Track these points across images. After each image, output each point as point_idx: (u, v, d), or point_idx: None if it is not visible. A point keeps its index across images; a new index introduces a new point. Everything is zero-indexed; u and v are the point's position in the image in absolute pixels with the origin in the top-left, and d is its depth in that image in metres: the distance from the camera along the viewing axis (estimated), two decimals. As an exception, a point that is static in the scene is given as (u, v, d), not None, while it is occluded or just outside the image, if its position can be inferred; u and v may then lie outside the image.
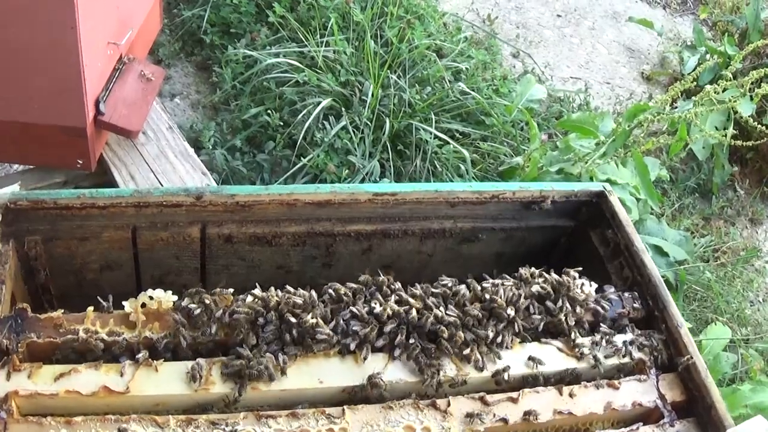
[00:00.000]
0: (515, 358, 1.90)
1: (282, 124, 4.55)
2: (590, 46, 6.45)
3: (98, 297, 1.87)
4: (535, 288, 1.97)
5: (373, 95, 4.62)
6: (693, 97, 4.41)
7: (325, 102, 4.52)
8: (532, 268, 2.04)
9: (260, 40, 5.01)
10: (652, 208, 4.35)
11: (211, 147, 4.47)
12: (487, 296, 1.92)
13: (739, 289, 4.75)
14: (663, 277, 3.88)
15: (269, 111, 4.60)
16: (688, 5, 7.33)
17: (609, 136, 4.13)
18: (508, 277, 2.02)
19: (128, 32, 3.59)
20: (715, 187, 5.40)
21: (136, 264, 2.12)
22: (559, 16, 6.72)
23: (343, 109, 4.60)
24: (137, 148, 3.76)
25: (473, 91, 4.85)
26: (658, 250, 4.30)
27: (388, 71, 4.76)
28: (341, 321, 1.82)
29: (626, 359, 1.94)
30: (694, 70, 4.38)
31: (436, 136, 4.52)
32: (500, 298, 1.92)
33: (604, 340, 1.95)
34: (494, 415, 1.76)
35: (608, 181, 4.05)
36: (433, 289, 1.95)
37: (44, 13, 2.98)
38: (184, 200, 2.04)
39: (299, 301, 1.82)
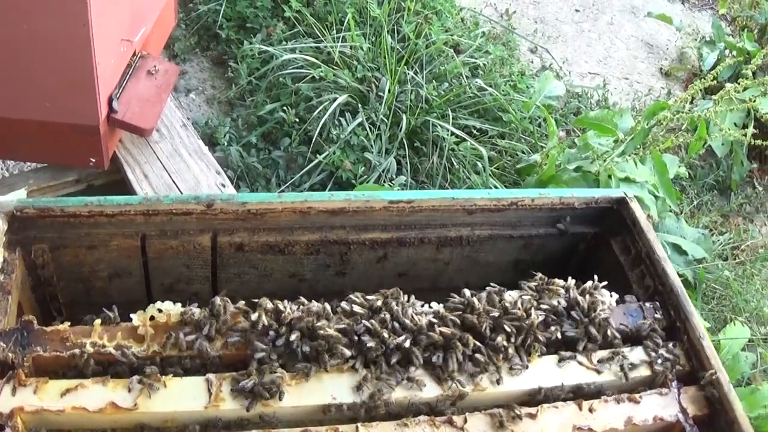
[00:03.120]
0: (533, 371, 1.86)
1: (298, 120, 4.52)
2: (609, 41, 6.40)
3: (108, 306, 1.84)
4: (556, 300, 1.93)
5: (389, 91, 4.58)
6: (712, 96, 4.36)
7: (342, 98, 4.48)
8: (556, 280, 2.00)
9: (276, 35, 4.98)
10: (671, 206, 4.30)
11: (226, 143, 4.44)
12: (506, 308, 1.88)
13: (758, 287, 4.70)
14: (681, 276, 3.84)
15: (285, 107, 4.57)
16: (706, 0, 7.26)
17: (628, 134, 4.08)
18: (527, 288, 1.98)
19: (142, 28, 3.55)
20: (734, 183, 5.35)
21: (145, 272, 2.08)
22: (577, 10, 6.67)
23: (359, 105, 4.57)
24: (151, 146, 3.72)
25: (491, 87, 4.82)
26: (677, 249, 4.26)
27: (405, 67, 4.72)
28: (355, 335, 1.78)
29: (647, 372, 1.89)
30: (713, 67, 4.34)
31: (453, 133, 4.48)
32: (519, 310, 1.87)
33: (624, 353, 1.90)
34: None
35: (626, 179, 4.01)
36: (450, 303, 1.90)
37: (56, 9, 2.94)
38: (195, 208, 2.00)
39: (313, 314, 1.78)
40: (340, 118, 4.50)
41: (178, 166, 3.66)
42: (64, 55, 3.07)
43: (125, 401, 1.64)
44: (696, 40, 6.52)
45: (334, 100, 4.47)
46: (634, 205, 2.22)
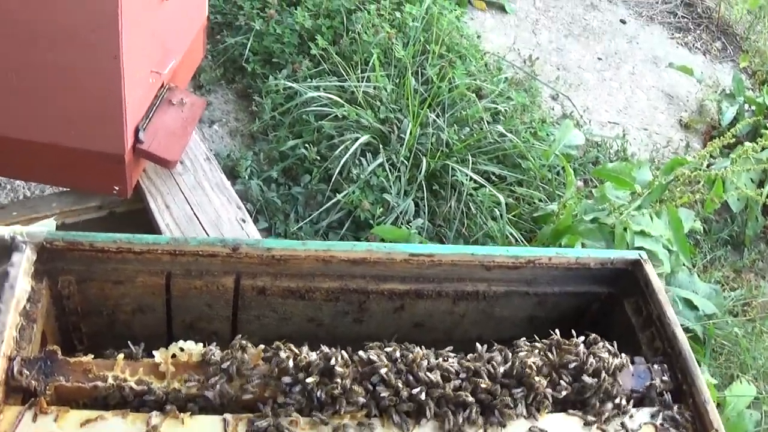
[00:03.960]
0: (542, 428, 1.88)
1: (319, 158, 4.56)
2: (629, 90, 6.45)
3: (129, 339, 1.88)
4: (567, 358, 1.96)
5: (411, 133, 4.62)
6: (730, 154, 4.39)
7: (363, 138, 4.53)
8: (568, 340, 2.03)
9: (301, 72, 5.03)
10: (684, 261, 4.32)
11: (247, 177, 4.48)
12: (518, 365, 1.91)
13: (766, 345, 4.71)
14: (691, 331, 3.87)
15: (307, 144, 4.61)
16: (728, 52, 7.32)
17: (645, 188, 4.12)
18: (539, 345, 2.01)
19: (171, 61, 3.60)
20: (747, 239, 5.38)
21: (168, 309, 2.12)
22: (599, 59, 6.72)
23: (380, 145, 4.61)
24: (174, 178, 3.77)
25: (511, 133, 4.85)
26: (688, 303, 4.28)
27: (428, 110, 4.77)
28: (370, 384, 1.82)
29: (652, 432, 1.93)
30: (732, 121, 4.38)
31: (471, 178, 4.52)
32: (530, 368, 1.91)
33: (631, 413, 1.93)
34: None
35: (642, 233, 4.04)
36: (463, 360, 1.94)
37: (88, 40, 2.99)
38: (221, 251, 2.04)
39: (330, 360, 1.82)
40: (361, 158, 4.54)
41: (200, 199, 3.71)
42: (94, 84, 3.12)
43: (144, 437, 1.68)
44: (716, 92, 6.55)
45: (356, 139, 4.51)
46: (648, 267, 2.25)
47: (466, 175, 4.50)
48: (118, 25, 2.91)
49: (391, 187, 4.44)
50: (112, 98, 3.13)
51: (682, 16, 7.61)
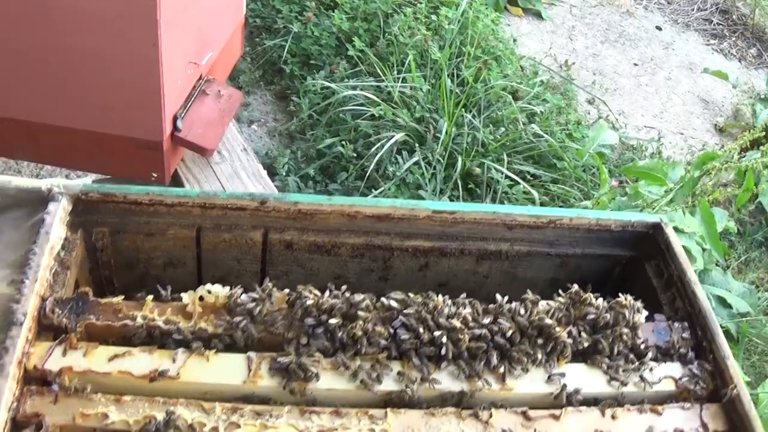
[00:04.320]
0: (559, 377, 1.91)
1: (355, 155, 4.63)
2: (665, 95, 6.48)
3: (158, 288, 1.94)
4: (586, 310, 1.99)
5: (446, 132, 4.68)
6: (761, 147, 4.40)
7: (399, 136, 4.59)
8: (588, 293, 2.05)
9: (339, 73, 5.11)
10: (717, 259, 4.33)
11: (284, 174, 4.55)
12: (538, 315, 1.94)
13: (801, 344, 4.71)
14: (724, 328, 3.87)
15: (344, 142, 4.68)
16: (763, 58, 7.35)
17: (677, 184, 4.14)
18: (560, 299, 2.04)
19: (209, 53, 3.68)
20: (782, 241, 5.38)
21: (198, 263, 2.17)
22: (635, 64, 6.77)
23: (416, 144, 4.67)
24: (211, 167, 3.84)
25: (546, 134, 4.89)
26: (722, 301, 4.29)
27: (463, 110, 4.82)
28: (391, 328, 1.86)
29: (672, 387, 1.94)
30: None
31: (507, 176, 4.56)
32: (551, 318, 1.94)
33: (650, 368, 1.96)
34: (535, 431, 1.78)
35: (675, 229, 4.03)
36: (485, 307, 1.97)
37: (128, 27, 3.07)
38: (249, 204, 2.09)
39: (353, 304, 1.87)
40: (397, 156, 4.60)
41: (236, 187, 3.78)
42: (133, 72, 3.20)
43: (169, 370, 1.73)
44: (751, 97, 6.58)
45: (392, 137, 4.57)
46: (669, 230, 2.28)
47: (502, 174, 4.54)
48: (156, 12, 2.99)
49: (426, 184, 4.49)
50: (151, 85, 3.21)
51: (717, 23, 7.66)
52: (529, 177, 4.75)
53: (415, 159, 4.54)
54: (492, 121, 5.00)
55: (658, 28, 7.38)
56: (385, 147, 4.52)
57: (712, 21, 7.66)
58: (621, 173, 5.15)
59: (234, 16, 4.13)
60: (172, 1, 3.09)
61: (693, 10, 7.77)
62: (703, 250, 4.18)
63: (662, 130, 5.96)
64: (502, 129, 4.94)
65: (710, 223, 4.10)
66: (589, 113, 5.91)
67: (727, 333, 3.97)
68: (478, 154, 4.70)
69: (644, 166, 4.38)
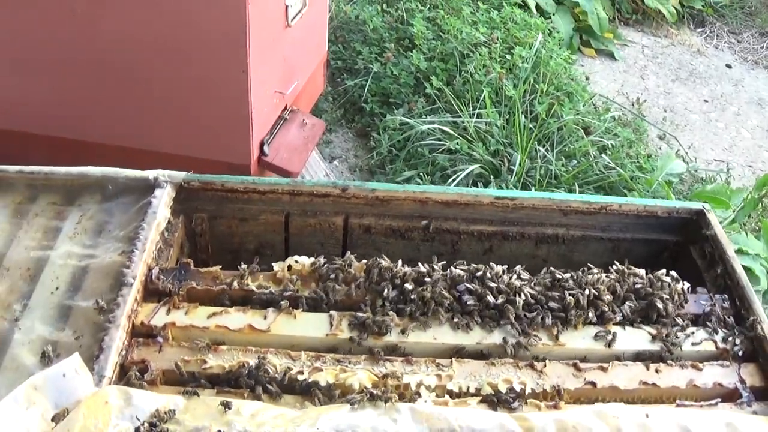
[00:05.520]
0: (611, 336, 2.09)
1: (432, 186, 4.81)
2: (734, 130, 6.60)
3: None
4: (633, 280, 2.18)
5: (520, 164, 4.85)
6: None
7: (474, 167, 4.77)
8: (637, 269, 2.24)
9: (417, 110, 5.33)
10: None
11: (365, 205, 4.75)
12: (589, 283, 2.14)
13: None
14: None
15: (421, 174, 4.88)
16: (830, 92, 7.43)
17: (739, 206, 4.26)
18: (611, 270, 2.22)
19: (294, 83, 3.93)
20: None
21: (286, 247, 2.41)
22: (705, 101, 6.90)
23: (491, 176, 4.84)
24: (297, 187, 4.07)
25: (617, 166, 5.04)
26: (788, 322, 4.36)
27: (536, 143, 5.00)
28: (457, 293, 2.07)
29: (712, 348, 2.10)
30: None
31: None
32: (602, 285, 2.13)
33: (691, 330, 2.12)
34: (585, 379, 1.96)
35: (739, 250, 4.16)
36: (541, 278, 2.17)
37: (220, 55, 3.33)
38: (332, 191, 2.33)
39: (423, 273, 2.08)
40: (473, 187, 4.77)
41: (319, 209, 3.99)
42: (224, 99, 3.47)
43: (261, 325, 1.96)
44: (818, 130, 6.68)
45: (468, 170, 4.77)
46: (711, 216, 2.44)
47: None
48: (246, 40, 3.26)
49: (500, 213, 4.64)
50: (241, 110, 3.47)
51: (786, 60, 7.79)
52: (600, 208, 4.87)
53: (489, 190, 4.71)
54: (564, 155, 5.14)
55: (728, 66, 7.53)
56: (461, 178, 4.71)
57: (781, 58, 7.79)
58: (690, 200, 5.26)
59: (317, 50, 4.39)
60: (260, 32, 3.34)
61: (762, 48, 7.91)
62: (767, 270, 4.28)
63: (731, 163, 6.08)
64: (574, 161, 5.09)
65: (772, 242, 4.21)
66: (660, 148, 6.05)
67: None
68: (550, 185, 4.86)
69: (710, 191, 4.53)
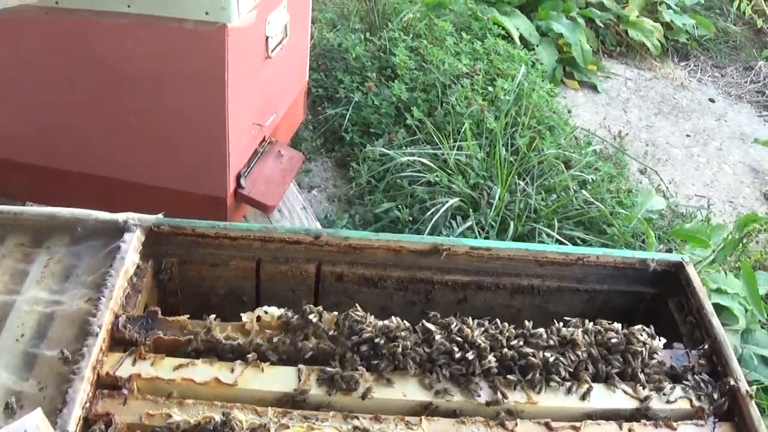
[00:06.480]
0: (580, 395, 2.06)
1: (411, 219, 4.80)
2: (716, 165, 6.60)
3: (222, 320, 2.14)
4: (608, 335, 2.15)
5: (500, 198, 4.83)
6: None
7: (454, 201, 4.76)
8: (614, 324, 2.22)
9: (397, 141, 5.31)
10: (760, 319, 4.41)
11: (342, 235, 4.73)
12: (562, 340, 2.12)
13: None
14: (766, 386, 3.96)
15: (400, 207, 4.86)
16: (816, 127, 7.46)
17: (719, 246, 4.26)
18: (583, 326, 2.20)
19: (272, 115, 3.91)
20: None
21: (257, 293, 2.38)
22: (688, 135, 6.91)
23: (470, 209, 4.82)
24: (272, 224, 4.05)
25: (597, 201, 5.03)
26: (765, 360, 4.34)
27: (516, 177, 4.98)
28: (428, 348, 2.04)
29: (687, 406, 2.08)
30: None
31: (558, 241, 4.70)
32: (577, 340, 2.11)
33: (667, 388, 2.10)
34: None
35: (718, 290, 4.16)
36: (515, 332, 2.14)
37: (198, 87, 3.31)
38: (304, 238, 2.30)
39: (394, 326, 2.06)
40: (452, 221, 4.76)
41: (296, 243, 3.97)
42: (201, 131, 3.44)
43: (227, 379, 1.93)
44: (802, 166, 6.69)
45: (447, 203, 4.75)
46: (690, 269, 2.43)
47: (553, 238, 4.68)
48: (225, 73, 3.23)
49: (479, 247, 4.62)
50: (218, 143, 3.44)
51: (770, 94, 7.82)
52: (579, 242, 4.88)
53: (468, 224, 4.69)
54: (544, 189, 5.13)
55: (711, 101, 7.54)
56: (440, 212, 4.69)
57: (765, 93, 7.79)
58: (669, 238, 5.26)
59: (297, 81, 4.37)
60: (239, 65, 3.32)
61: (746, 82, 7.92)
62: (746, 310, 4.27)
63: (712, 198, 6.08)
64: (554, 196, 5.07)
65: (752, 283, 4.19)
66: (640, 182, 6.04)
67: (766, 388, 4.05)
68: (530, 219, 4.84)
69: (689, 230, 4.52)
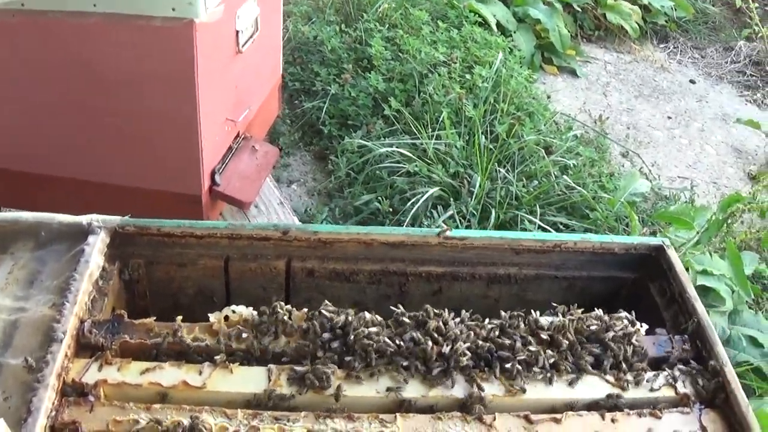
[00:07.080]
0: (560, 385, 2.02)
1: (391, 210, 4.75)
2: (699, 147, 6.56)
3: (190, 321, 2.09)
4: (589, 321, 2.11)
5: (480, 187, 4.79)
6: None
7: (434, 191, 4.71)
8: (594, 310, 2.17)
9: (375, 132, 5.26)
10: (747, 300, 4.38)
11: (323, 229, 4.68)
12: (540, 329, 2.07)
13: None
14: (756, 367, 3.92)
15: (380, 198, 4.81)
16: (797, 107, 7.43)
17: (703, 227, 4.22)
18: (561, 314, 2.15)
19: (245, 110, 3.85)
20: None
21: (227, 292, 2.33)
22: (669, 117, 6.87)
23: (451, 199, 4.77)
24: (249, 220, 4.00)
25: (579, 185, 4.99)
26: (753, 341, 4.32)
27: (497, 165, 4.94)
28: (401, 342, 1.99)
29: (671, 393, 2.04)
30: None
31: (540, 227, 4.66)
32: (555, 330, 2.06)
33: (651, 375, 2.06)
34: (536, 432, 1.90)
35: (704, 272, 4.12)
36: (491, 323, 2.10)
37: (168, 84, 3.25)
38: (273, 234, 2.25)
39: (367, 321, 2.01)
40: (432, 210, 4.71)
41: (273, 238, 3.93)
42: (173, 128, 3.39)
43: (195, 381, 1.88)
44: (784, 144, 6.67)
45: (427, 192, 4.70)
46: (671, 252, 2.38)
47: (535, 225, 4.64)
48: (194, 69, 3.18)
49: (461, 236, 4.58)
50: (190, 141, 3.39)
51: (750, 74, 7.78)
52: (561, 228, 4.84)
53: (449, 213, 4.65)
54: (525, 175, 5.09)
55: (692, 82, 7.50)
56: (420, 202, 4.64)
57: (746, 73, 7.78)
58: (653, 221, 5.23)
59: (271, 75, 4.31)
60: (209, 60, 3.27)
61: (726, 62, 7.89)
62: (732, 291, 4.24)
63: (695, 180, 6.04)
64: (536, 182, 5.03)
65: (737, 263, 4.16)
66: (623, 166, 6.01)
67: (758, 371, 4.02)
68: (511, 206, 4.80)
69: (673, 212, 4.49)
